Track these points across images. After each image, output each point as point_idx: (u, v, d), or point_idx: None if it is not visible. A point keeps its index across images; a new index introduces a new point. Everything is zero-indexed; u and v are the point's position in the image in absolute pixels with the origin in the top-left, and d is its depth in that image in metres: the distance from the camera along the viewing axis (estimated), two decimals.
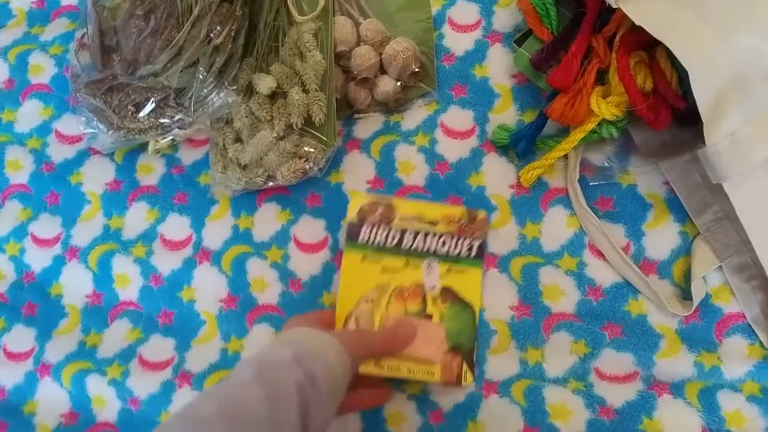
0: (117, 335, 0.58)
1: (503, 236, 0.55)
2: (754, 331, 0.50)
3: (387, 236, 0.54)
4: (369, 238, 0.54)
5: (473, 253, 0.54)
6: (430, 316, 0.53)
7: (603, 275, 0.53)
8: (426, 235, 0.54)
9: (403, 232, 0.54)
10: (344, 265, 0.54)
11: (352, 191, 0.58)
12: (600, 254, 0.53)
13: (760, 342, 0.50)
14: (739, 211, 0.45)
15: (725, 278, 0.51)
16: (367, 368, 0.51)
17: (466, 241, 0.54)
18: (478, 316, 0.53)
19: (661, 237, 0.53)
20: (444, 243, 0.54)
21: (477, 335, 0.53)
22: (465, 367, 0.52)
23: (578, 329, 0.52)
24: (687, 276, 0.52)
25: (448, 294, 0.53)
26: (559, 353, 0.52)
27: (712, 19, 0.45)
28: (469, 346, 0.52)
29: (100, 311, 0.59)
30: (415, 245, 0.54)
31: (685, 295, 0.51)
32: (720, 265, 0.51)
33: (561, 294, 0.53)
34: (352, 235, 0.54)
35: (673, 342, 0.51)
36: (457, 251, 0.54)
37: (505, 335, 0.53)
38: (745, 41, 0.44)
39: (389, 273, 0.53)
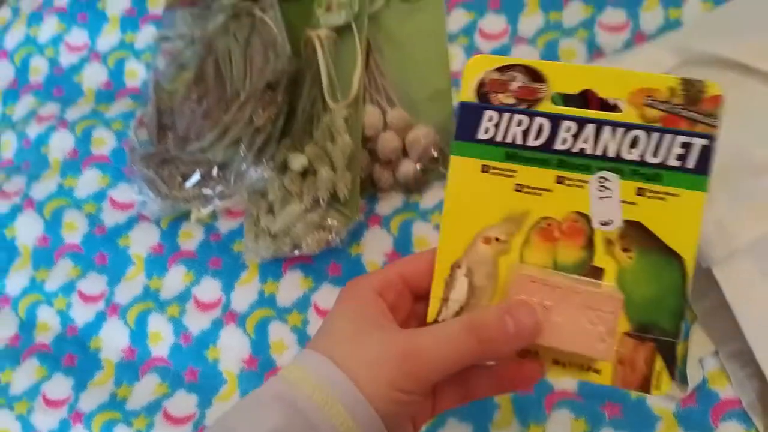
0: (146, 389, 0.62)
1: None
2: (750, 417, 0.51)
3: (528, 129, 0.33)
4: (496, 132, 0.34)
5: (690, 160, 0.32)
6: (599, 272, 0.33)
7: None
8: (600, 125, 0.32)
9: (556, 122, 0.33)
10: (451, 179, 0.35)
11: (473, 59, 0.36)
12: None
13: (756, 429, 0.51)
14: (728, 296, 0.48)
15: (722, 364, 0.53)
16: None
17: (679, 138, 0.32)
18: (691, 278, 0.32)
19: None
20: (635, 141, 0.32)
21: (686, 310, 0.33)
22: (660, 364, 0.33)
23: (579, 407, 0.54)
24: (685, 360, 0.53)
25: (636, 234, 0.32)
26: (560, 430, 0.54)
27: None
28: (669, 328, 0.33)
29: (132, 365, 0.63)
30: (578, 145, 0.33)
31: (683, 378, 0.53)
32: (716, 351, 0.53)
33: None
34: (466, 127, 0.34)
35: (671, 424, 0.52)
36: (660, 156, 0.32)
37: (508, 411, 0.55)
38: (731, 139, 0.48)
39: (529, 194, 0.34)
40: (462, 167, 0.34)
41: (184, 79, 0.69)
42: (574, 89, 0.33)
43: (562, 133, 0.33)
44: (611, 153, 0.32)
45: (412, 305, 0.38)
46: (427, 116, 0.66)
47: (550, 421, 0.54)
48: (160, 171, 0.65)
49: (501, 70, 0.34)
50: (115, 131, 0.74)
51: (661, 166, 0.32)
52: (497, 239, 0.34)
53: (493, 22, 0.70)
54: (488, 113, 0.34)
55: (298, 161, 0.63)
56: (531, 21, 0.69)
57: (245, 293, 0.63)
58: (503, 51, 0.68)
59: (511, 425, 0.55)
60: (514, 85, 0.33)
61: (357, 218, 0.61)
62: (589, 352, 0.32)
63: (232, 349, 0.61)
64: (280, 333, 0.61)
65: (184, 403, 0.60)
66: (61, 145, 0.75)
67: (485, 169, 0.34)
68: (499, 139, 0.34)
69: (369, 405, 0.33)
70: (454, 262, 0.35)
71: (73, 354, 0.65)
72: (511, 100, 0.33)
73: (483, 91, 0.34)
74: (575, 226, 0.33)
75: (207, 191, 0.64)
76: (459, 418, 0.55)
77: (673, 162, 0.32)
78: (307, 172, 0.64)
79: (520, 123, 0.33)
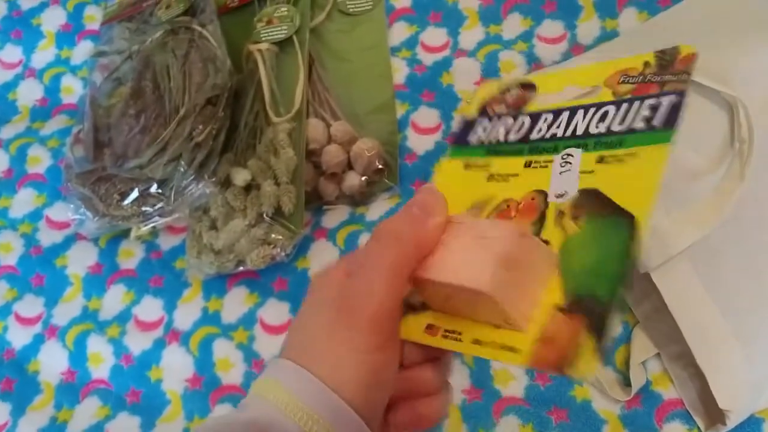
0: (87, 412, 0.60)
1: None
2: (692, 416, 0.52)
3: (510, 128, 0.35)
4: (483, 136, 0.35)
5: (657, 118, 0.30)
6: (545, 243, 0.31)
7: None
8: (574, 110, 0.33)
9: (535, 117, 0.34)
10: (436, 180, 0.36)
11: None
12: None
13: (698, 427, 0.52)
14: (667, 300, 0.49)
15: (664, 365, 0.54)
16: (414, 333, 0.33)
17: (647, 102, 0.31)
18: (642, 234, 0.28)
19: None
20: (605, 115, 0.32)
21: (624, 275, 0.28)
22: (585, 341, 0.27)
23: (526, 413, 0.54)
24: (628, 363, 0.54)
25: (589, 201, 0.30)
26: None
27: None
28: (604, 295, 0.28)
29: (72, 388, 0.61)
30: (551, 131, 0.33)
31: (627, 381, 0.54)
32: (659, 353, 0.54)
33: (511, 378, 0.56)
34: (461, 137, 0.36)
35: (616, 427, 0.53)
36: (625, 124, 0.31)
37: (457, 419, 0.55)
38: None
39: (497, 182, 0.34)
40: (448, 168, 0.36)
41: (121, 95, 0.68)
42: (557, 89, 0.35)
43: (539, 125, 0.34)
44: (580, 131, 0.32)
45: None
46: (371, 129, 0.66)
47: (499, 428, 0.54)
48: (96, 189, 0.63)
49: (504, 90, 0.37)
50: (51, 149, 0.72)
51: (626, 132, 0.31)
52: (460, 224, 0.32)
53: (435, 35, 0.70)
54: (481, 121, 0.36)
55: (241, 176, 0.62)
56: (471, 34, 0.69)
57: (188, 311, 0.62)
58: (444, 63, 0.69)
59: None
60: (509, 97, 0.36)
61: (302, 232, 0.61)
62: (471, 284, 0.29)
63: (175, 369, 0.60)
64: (225, 350, 0.60)
65: (126, 425, 0.59)
66: None
67: (466, 166, 0.35)
68: (485, 141, 0.36)
69: (350, 410, 0.30)
70: None
71: (11, 378, 0.63)
72: (503, 109, 0.36)
73: (483, 106, 0.37)
74: (531, 204, 0.32)
75: (146, 209, 0.62)
76: None
77: (638, 125, 0.31)
78: (250, 187, 0.63)
79: (506, 124, 0.35)
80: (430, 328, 0.32)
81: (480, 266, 0.29)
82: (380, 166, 0.63)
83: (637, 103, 0.31)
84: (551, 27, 0.68)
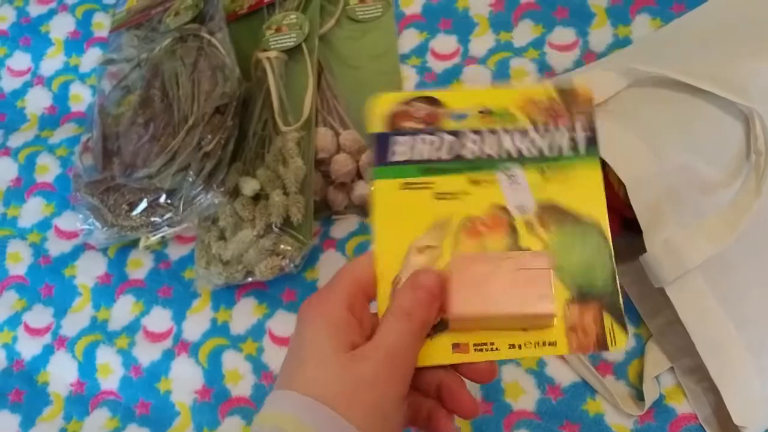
0: (96, 424, 0.60)
1: None
2: (706, 431, 0.52)
3: (439, 146, 0.36)
4: (410, 153, 0.36)
5: (580, 146, 0.36)
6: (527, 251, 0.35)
7: (562, 374, 0.55)
8: (497, 133, 0.36)
9: (459, 136, 0.36)
10: (376, 203, 0.36)
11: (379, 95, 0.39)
12: None
13: None
14: (681, 314, 0.48)
15: (678, 379, 0.53)
16: (442, 357, 0.35)
17: (564, 133, 0.36)
18: (610, 240, 0.35)
19: None
20: (530, 139, 0.36)
21: (616, 273, 0.35)
22: (610, 321, 0.34)
23: (538, 427, 0.54)
24: (642, 377, 0.53)
25: (551, 213, 0.35)
26: None
27: (649, 138, 0.49)
28: (606, 288, 0.35)
29: (82, 399, 0.61)
30: (486, 151, 0.36)
31: (640, 395, 0.53)
32: (672, 367, 0.53)
33: (522, 392, 0.55)
34: (381, 154, 0.36)
35: None
36: (555, 149, 0.36)
37: None
38: (679, 158, 0.48)
39: (448, 200, 0.36)
40: (384, 188, 0.37)
41: (129, 103, 0.68)
42: (471, 109, 0.37)
43: (469, 145, 0.36)
44: (514, 153, 0.36)
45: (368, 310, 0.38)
46: None
47: None
48: (105, 199, 0.63)
49: (406, 103, 0.38)
50: (60, 158, 0.72)
51: (558, 154, 0.36)
52: (429, 246, 0.36)
53: (445, 43, 0.70)
54: (399, 138, 0.37)
55: (249, 186, 0.62)
56: (482, 41, 0.69)
57: (197, 322, 0.62)
58: (455, 71, 0.68)
59: None
60: (419, 113, 0.37)
61: (311, 242, 0.60)
62: (532, 310, 0.33)
63: (184, 381, 0.59)
64: (234, 362, 0.59)
65: None
66: (3, 173, 0.72)
67: (405, 186, 0.36)
68: (415, 158, 0.37)
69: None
70: (393, 278, 0.36)
71: (20, 389, 0.62)
72: (419, 125, 0.37)
73: (392, 120, 0.37)
74: (497, 218, 0.36)
75: (155, 219, 0.62)
76: None
77: (566, 152, 0.36)
78: (259, 197, 0.62)
79: (431, 143, 0.37)
80: (457, 347, 0.35)
81: (536, 294, 0.33)
82: None
83: (558, 133, 0.37)
84: (563, 34, 0.67)
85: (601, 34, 0.67)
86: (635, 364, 0.54)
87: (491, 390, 0.55)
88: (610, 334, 0.35)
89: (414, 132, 0.37)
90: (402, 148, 0.37)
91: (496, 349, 0.34)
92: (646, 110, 0.51)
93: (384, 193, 0.36)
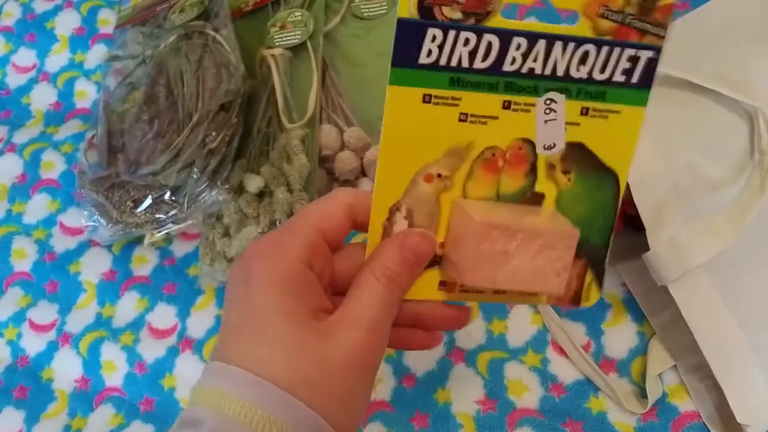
0: (101, 420, 0.60)
1: (471, 330, 0.58)
2: (709, 429, 0.52)
3: (475, 49, 0.29)
4: (439, 55, 0.29)
5: (636, 75, 0.31)
6: (540, 198, 0.32)
7: (565, 372, 0.55)
8: (552, 41, 0.29)
9: (505, 40, 0.29)
10: (388, 112, 0.30)
11: None
12: (562, 351, 0.56)
13: None
14: (684, 312, 0.48)
15: (681, 377, 0.53)
16: (428, 293, 0.33)
17: (627, 51, 0.30)
18: (623, 191, 0.33)
19: (620, 336, 0.55)
20: (585, 56, 0.30)
21: (613, 229, 0.34)
22: (590, 277, 0.34)
23: (541, 425, 0.54)
24: (644, 375, 0.54)
25: (577, 156, 0.32)
26: None
27: (654, 136, 0.49)
28: (599, 243, 0.33)
29: (86, 396, 0.61)
30: (527, 65, 0.29)
31: (643, 393, 0.53)
32: (675, 365, 0.53)
33: (525, 389, 0.55)
34: (405, 51, 0.28)
35: None
36: (607, 72, 0.30)
37: (471, 429, 0.55)
38: (684, 157, 0.48)
39: (473, 124, 0.30)
40: (401, 98, 0.29)
41: (134, 100, 0.68)
42: None
43: (512, 52, 0.29)
44: (560, 72, 0.30)
45: (332, 261, 0.34)
46: None
47: None
48: (110, 196, 0.63)
49: None
50: (65, 154, 0.72)
51: (607, 82, 0.31)
52: (439, 176, 0.31)
53: None
54: (431, 32, 0.28)
55: (254, 183, 0.62)
56: None
57: (202, 319, 0.62)
58: None
59: None
60: None
61: None
62: (543, 289, 0.33)
63: (189, 377, 0.60)
64: None
65: None
66: (8, 169, 0.73)
67: (427, 98, 0.30)
68: (443, 62, 0.29)
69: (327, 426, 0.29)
70: (392, 205, 0.32)
71: (25, 386, 0.63)
72: (457, 15, 0.28)
73: (425, 4, 0.28)
74: (520, 154, 0.31)
75: (160, 216, 0.62)
76: None
77: (618, 77, 0.31)
78: (263, 194, 0.63)
79: (467, 42, 0.29)
80: (443, 285, 0.33)
81: (552, 274, 0.32)
82: None
83: (617, 50, 0.30)
84: None
85: None
86: (638, 362, 0.54)
87: (495, 387, 0.55)
88: (586, 290, 0.34)
89: (453, 24, 0.28)
90: (432, 47, 0.28)
91: (481, 292, 0.33)
92: (651, 109, 0.51)
93: (399, 105, 0.29)
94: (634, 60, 0.30)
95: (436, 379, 0.56)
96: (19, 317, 0.65)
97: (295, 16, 0.69)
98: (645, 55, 0.30)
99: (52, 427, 0.60)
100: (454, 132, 0.31)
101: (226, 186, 0.63)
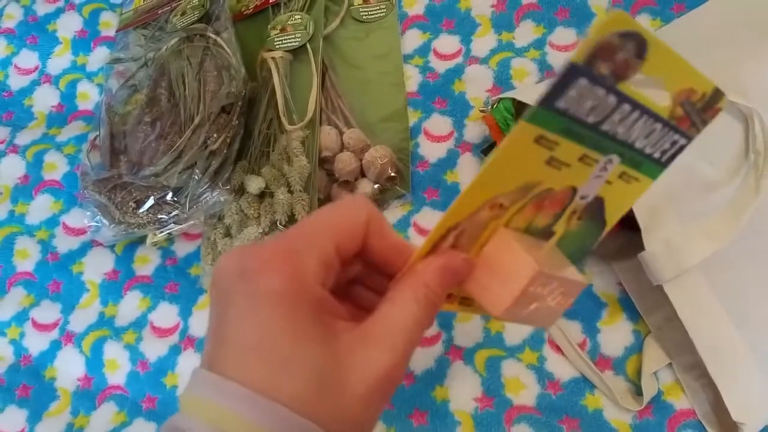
0: (104, 418, 0.61)
1: (469, 329, 0.59)
2: (704, 427, 0.52)
3: (596, 105, 0.28)
4: (577, 107, 0.28)
5: (667, 155, 0.33)
6: (550, 234, 0.34)
7: (562, 370, 0.56)
8: (644, 115, 0.30)
9: (620, 102, 0.29)
10: (502, 146, 0.29)
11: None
12: (559, 349, 0.56)
13: None
14: (679, 311, 0.49)
15: (676, 375, 0.54)
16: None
17: (674, 136, 0.32)
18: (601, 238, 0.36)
19: (616, 334, 0.56)
20: (651, 133, 0.31)
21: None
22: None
23: (538, 422, 0.54)
24: (640, 373, 0.54)
25: (592, 207, 0.34)
26: None
27: None
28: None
29: (89, 394, 0.62)
30: (616, 128, 0.30)
31: (639, 391, 0.54)
32: (670, 363, 0.54)
33: (522, 387, 0.56)
34: (553, 92, 0.27)
35: None
36: (654, 148, 0.32)
37: (469, 427, 0.55)
38: (680, 158, 0.49)
39: (552, 168, 0.31)
40: (520, 135, 0.28)
41: (136, 102, 0.69)
42: (669, 86, 0.30)
43: (616, 115, 0.29)
44: (632, 139, 0.31)
45: (341, 274, 0.32)
46: (383, 136, 0.66)
47: None
48: (113, 196, 0.64)
49: (621, 38, 0.27)
50: (67, 155, 0.73)
51: (648, 156, 0.32)
52: (501, 205, 0.31)
53: (447, 43, 0.71)
54: (581, 82, 0.27)
55: (254, 184, 0.62)
56: (484, 41, 0.69)
57: (203, 318, 0.62)
58: (457, 71, 0.69)
59: None
60: (620, 56, 0.27)
61: None
62: (542, 325, 0.36)
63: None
64: None
65: (142, 431, 0.59)
66: (11, 170, 0.73)
67: (538, 140, 0.29)
68: (569, 112, 0.28)
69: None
70: (453, 225, 0.31)
71: (28, 385, 0.63)
72: (608, 70, 0.27)
73: (596, 51, 0.26)
74: (561, 198, 0.33)
75: (162, 216, 0.63)
76: None
77: (657, 154, 0.33)
78: (264, 195, 0.63)
79: (597, 99, 0.28)
80: (448, 297, 0.34)
81: (556, 317, 0.35)
82: (393, 174, 0.63)
83: (671, 133, 0.32)
84: (564, 34, 0.68)
85: None
86: (634, 360, 0.55)
87: (492, 385, 0.56)
88: None
89: (601, 79, 0.27)
90: (575, 94, 0.27)
91: (478, 307, 0.34)
92: None
93: (515, 141, 0.29)
94: (673, 143, 0.33)
95: (435, 376, 0.57)
96: (22, 317, 0.66)
97: (295, 19, 0.70)
98: (681, 141, 0.33)
99: (55, 425, 0.61)
100: (536, 170, 0.31)
101: (228, 187, 0.64)
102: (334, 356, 0.28)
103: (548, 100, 0.27)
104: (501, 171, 0.30)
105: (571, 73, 0.27)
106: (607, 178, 0.32)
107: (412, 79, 0.70)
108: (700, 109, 0.32)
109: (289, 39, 0.69)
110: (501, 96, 0.57)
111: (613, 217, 0.35)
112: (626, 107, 0.29)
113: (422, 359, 0.57)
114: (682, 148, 0.33)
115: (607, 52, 0.27)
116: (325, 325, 0.29)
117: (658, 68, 0.29)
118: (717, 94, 0.32)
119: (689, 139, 0.33)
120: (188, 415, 0.27)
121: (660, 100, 0.30)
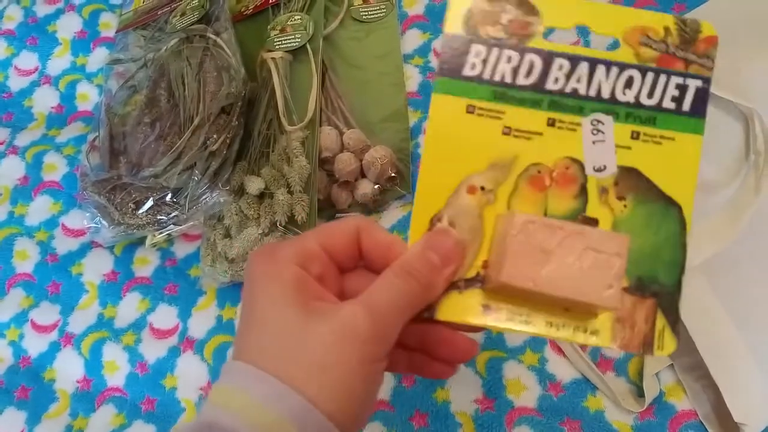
0: (103, 420, 0.60)
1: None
2: (706, 428, 0.52)
3: (518, 66, 0.30)
4: (483, 69, 0.30)
5: (686, 102, 0.31)
6: (593, 223, 0.31)
7: (563, 371, 0.56)
8: (594, 64, 0.30)
9: (547, 60, 0.30)
10: (432, 120, 0.31)
11: None
12: (560, 350, 0.56)
13: None
14: (681, 312, 0.48)
15: (678, 377, 0.54)
16: (470, 315, 0.31)
17: (674, 79, 0.31)
18: (690, 226, 0.31)
19: None
20: (630, 81, 0.31)
21: (685, 263, 0.31)
22: (662, 322, 0.31)
23: (539, 424, 0.54)
24: (642, 374, 0.54)
25: (632, 181, 0.31)
26: None
27: None
28: (669, 282, 0.31)
29: (88, 396, 0.62)
30: (570, 85, 0.30)
31: (640, 392, 0.54)
32: (672, 364, 0.54)
33: (523, 388, 0.56)
34: (451, 62, 0.30)
35: None
36: (655, 98, 0.31)
37: (470, 428, 0.55)
38: None
39: (517, 138, 0.31)
40: (445, 107, 0.30)
41: (136, 103, 0.68)
42: (567, 24, 0.31)
43: (554, 72, 0.30)
44: (605, 94, 0.31)
45: (341, 280, 0.33)
46: (383, 137, 0.66)
47: None
48: (112, 197, 0.64)
49: (495, 5, 0.30)
50: (67, 156, 0.73)
51: (656, 108, 0.31)
52: (482, 188, 0.31)
53: None
54: (476, 47, 0.30)
55: (254, 184, 0.62)
56: None
57: (203, 319, 0.62)
58: None
59: None
60: (505, 18, 0.30)
61: None
62: (594, 300, 0.29)
63: (190, 377, 0.60)
64: None
65: None
66: (10, 171, 0.73)
67: (470, 109, 0.30)
68: (486, 76, 0.30)
69: (327, 421, 0.28)
70: (434, 215, 0.31)
71: (27, 386, 0.63)
72: (500, 34, 0.30)
73: (471, 22, 0.30)
74: (567, 173, 0.31)
75: (161, 217, 0.63)
76: None
77: (668, 104, 0.31)
78: (263, 195, 0.63)
79: (509, 59, 0.30)
80: (488, 309, 0.31)
81: (602, 283, 0.29)
82: (393, 174, 0.63)
83: (663, 77, 0.31)
84: (563, 34, 0.67)
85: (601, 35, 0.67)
86: (635, 361, 0.55)
87: (493, 386, 0.56)
88: (659, 337, 0.31)
89: (495, 42, 0.30)
90: (476, 60, 0.30)
91: (530, 323, 0.31)
92: None
93: (443, 113, 0.30)
94: (682, 88, 0.31)
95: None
96: (21, 318, 0.66)
97: (295, 20, 0.70)
98: (693, 84, 0.31)
99: (54, 427, 0.61)
100: (498, 145, 0.31)
101: (227, 188, 0.64)
102: (316, 314, 0.29)
103: (448, 71, 0.30)
104: (445, 148, 0.30)
105: (452, 42, 0.30)
106: (615, 142, 0.31)
107: (412, 79, 0.70)
108: (681, 44, 0.31)
109: (289, 39, 0.69)
110: None
111: (679, 192, 0.31)
112: (561, 62, 0.30)
113: None
114: (701, 91, 0.31)
115: (486, 17, 0.30)
116: (309, 294, 0.30)
117: (562, 16, 0.30)
118: (688, 25, 0.31)
119: (700, 79, 0.31)
120: (213, 400, 0.29)
121: (608, 52, 0.30)
